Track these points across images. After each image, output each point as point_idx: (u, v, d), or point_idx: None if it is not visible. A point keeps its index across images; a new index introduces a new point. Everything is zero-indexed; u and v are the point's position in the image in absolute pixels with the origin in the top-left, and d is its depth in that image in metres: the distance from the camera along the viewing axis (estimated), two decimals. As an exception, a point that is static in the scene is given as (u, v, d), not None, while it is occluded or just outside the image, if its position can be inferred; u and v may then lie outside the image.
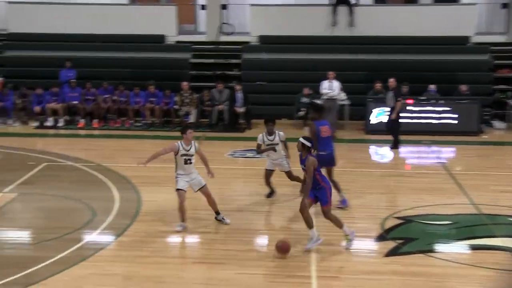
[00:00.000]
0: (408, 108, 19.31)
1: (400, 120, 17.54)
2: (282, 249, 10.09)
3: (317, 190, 10.22)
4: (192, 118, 20.26)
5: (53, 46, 22.76)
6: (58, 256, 10.14)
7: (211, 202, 11.53)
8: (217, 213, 11.62)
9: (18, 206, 12.96)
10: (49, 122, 20.38)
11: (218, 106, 20.26)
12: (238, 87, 20.41)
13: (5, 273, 9.58)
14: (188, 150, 11.13)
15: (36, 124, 20.44)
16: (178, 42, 23.40)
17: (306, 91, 20.42)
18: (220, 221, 11.59)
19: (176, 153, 11.07)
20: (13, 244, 11.00)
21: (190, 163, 11.19)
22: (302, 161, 10.23)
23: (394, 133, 17.56)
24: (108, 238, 11.07)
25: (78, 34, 22.82)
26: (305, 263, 9.94)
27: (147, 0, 26.37)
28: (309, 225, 10.26)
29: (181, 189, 11.13)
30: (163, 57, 22.63)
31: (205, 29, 24.02)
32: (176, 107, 20.45)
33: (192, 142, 11.24)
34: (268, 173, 12.79)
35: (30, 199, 13.21)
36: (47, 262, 9.93)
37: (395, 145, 17.57)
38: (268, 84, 21.99)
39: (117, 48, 22.76)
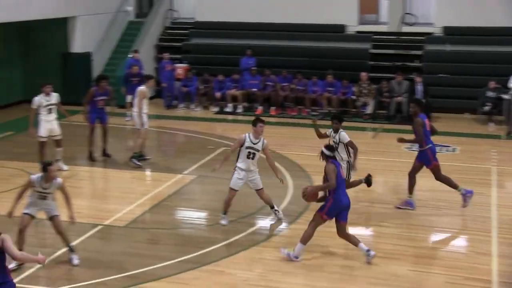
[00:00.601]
0: None
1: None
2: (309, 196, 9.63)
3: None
4: (369, 109, 19.91)
5: (235, 35, 23.32)
6: (232, 239, 10.35)
7: (265, 201, 11.21)
8: (272, 207, 11.23)
9: (196, 188, 13.40)
10: (229, 108, 20.92)
11: (397, 98, 19.71)
12: (418, 79, 19.72)
13: (182, 251, 9.95)
14: (255, 144, 10.77)
15: (216, 109, 21.07)
16: (358, 32, 23.06)
17: (492, 84, 19.31)
18: (275, 213, 11.24)
19: (242, 145, 10.78)
20: (190, 224, 11.39)
21: (253, 158, 10.79)
22: None
23: None
24: (280, 224, 11.12)
25: (259, 23, 23.18)
26: (487, 266, 9.35)
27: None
28: (355, 243, 9.61)
29: (234, 189, 10.88)
30: (342, 47, 22.41)
31: (387, 19, 23.47)
32: (353, 97, 20.19)
33: (261, 137, 10.89)
34: None
35: (208, 181, 13.58)
36: (221, 244, 10.17)
37: None
38: (450, 77, 21.06)
39: (297, 37, 22.87)
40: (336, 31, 22.89)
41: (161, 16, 24.14)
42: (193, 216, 11.91)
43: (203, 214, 12.03)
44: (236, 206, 11.86)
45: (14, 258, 7.06)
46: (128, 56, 20.93)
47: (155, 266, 9.39)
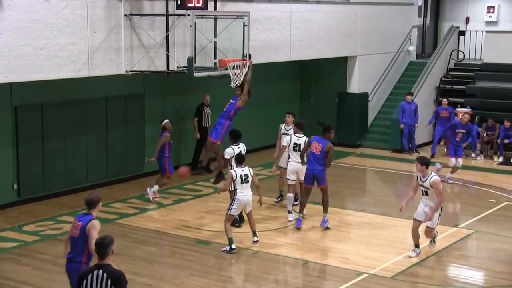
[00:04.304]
0: None
1: None
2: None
3: None
4: None
5: (527, 79, 21.93)
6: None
7: None
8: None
9: (473, 244, 12.66)
10: (515, 159, 19.65)
11: None
12: None
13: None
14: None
15: (500, 159, 19.82)
16: None
17: None
18: None
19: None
20: (463, 284, 10.67)
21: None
22: None
23: None
24: None
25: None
26: None
27: None
28: None
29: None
30: None
31: None
32: None
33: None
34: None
35: (486, 238, 12.79)
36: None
37: None
38: None
39: None
40: None
41: (445, 57, 23.48)
42: (467, 275, 11.17)
43: (478, 274, 11.26)
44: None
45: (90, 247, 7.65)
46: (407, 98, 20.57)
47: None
